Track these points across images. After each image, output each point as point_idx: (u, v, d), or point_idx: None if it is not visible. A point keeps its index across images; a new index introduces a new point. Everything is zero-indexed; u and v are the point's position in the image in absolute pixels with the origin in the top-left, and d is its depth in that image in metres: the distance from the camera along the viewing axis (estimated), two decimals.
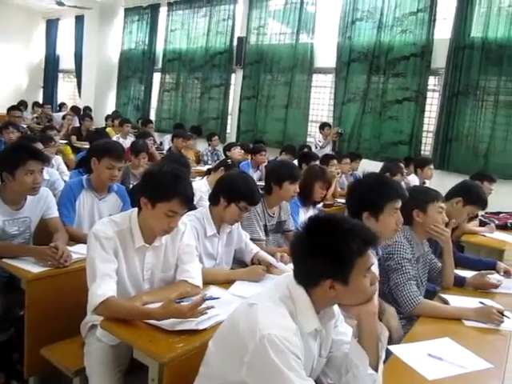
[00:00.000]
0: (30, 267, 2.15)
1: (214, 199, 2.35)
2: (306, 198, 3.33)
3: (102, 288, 1.71)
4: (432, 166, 5.42)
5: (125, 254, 1.88)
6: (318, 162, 5.10)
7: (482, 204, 2.84)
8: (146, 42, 10.31)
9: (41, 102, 12.33)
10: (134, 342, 1.60)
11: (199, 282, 2.00)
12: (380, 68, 6.96)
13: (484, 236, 4.07)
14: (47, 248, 2.22)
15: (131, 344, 1.61)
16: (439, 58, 6.45)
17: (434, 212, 2.24)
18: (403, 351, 1.70)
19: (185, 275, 1.99)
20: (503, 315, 2.02)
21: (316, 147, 7.35)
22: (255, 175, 5.82)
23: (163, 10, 9.97)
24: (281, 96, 8.11)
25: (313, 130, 7.99)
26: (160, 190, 1.83)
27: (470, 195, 2.78)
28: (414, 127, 6.69)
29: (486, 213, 4.88)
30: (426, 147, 6.82)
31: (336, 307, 1.39)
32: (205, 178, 3.91)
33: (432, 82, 6.70)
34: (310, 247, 1.24)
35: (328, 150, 7.13)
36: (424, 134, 6.76)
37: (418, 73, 6.61)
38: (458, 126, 6.31)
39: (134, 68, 10.62)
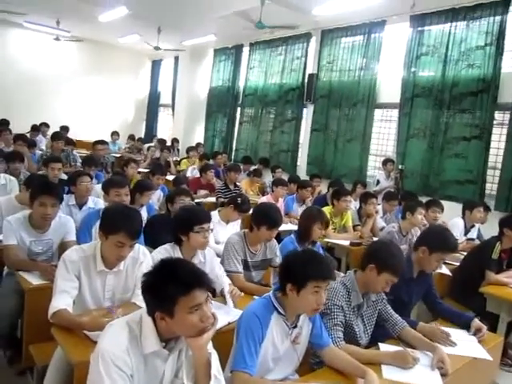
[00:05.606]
0: (33, 280, 2.68)
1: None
2: (305, 238, 3.41)
3: (57, 301, 2.15)
4: (482, 209, 5.09)
5: (87, 275, 2.31)
6: (350, 199, 5.12)
7: (448, 247, 2.64)
8: (230, 79, 11.18)
9: (143, 133, 13.95)
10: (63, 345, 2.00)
11: None
12: (444, 103, 6.77)
13: None
14: (49, 266, 2.75)
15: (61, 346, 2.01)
16: (507, 92, 6.12)
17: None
18: None
19: (136, 298, 2.35)
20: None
21: (377, 183, 7.31)
22: (300, 209, 5.99)
23: (246, 50, 10.77)
24: (347, 131, 8.24)
25: (377, 164, 7.95)
26: (110, 224, 2.24)
27: (433, 241, 2.64)
28: (478, 165, 6.36)
29: None
30: (493, 186, 6.40)
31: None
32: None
33: (498, 117, 6.33)
34: (146, 284, 1.53)
35: (388, 185, 7.06)
36: (490, 172, 6.38)
37: (484, 108, 6.31)
38: None
39: (220, 103, 11.54)
